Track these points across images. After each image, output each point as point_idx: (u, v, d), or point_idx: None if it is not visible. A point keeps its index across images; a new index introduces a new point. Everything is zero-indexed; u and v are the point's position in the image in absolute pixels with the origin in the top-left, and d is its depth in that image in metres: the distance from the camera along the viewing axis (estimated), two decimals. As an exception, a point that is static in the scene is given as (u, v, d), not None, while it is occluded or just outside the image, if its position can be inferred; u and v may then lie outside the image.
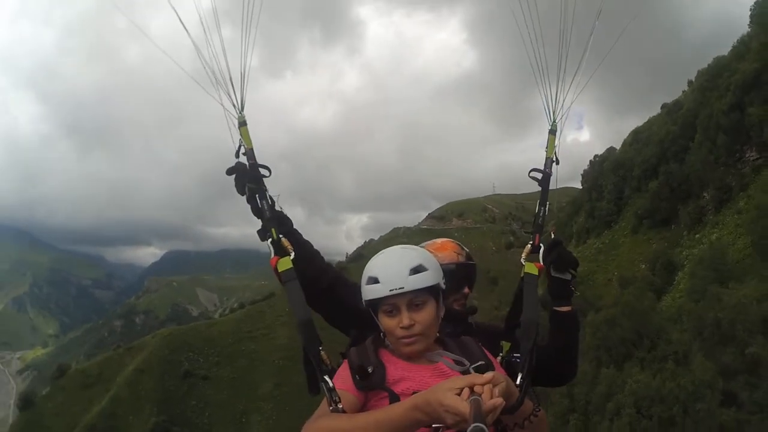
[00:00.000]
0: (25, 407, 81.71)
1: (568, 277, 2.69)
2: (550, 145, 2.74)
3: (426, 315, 2.22)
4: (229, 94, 2.49)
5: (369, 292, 2.24)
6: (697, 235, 42.46)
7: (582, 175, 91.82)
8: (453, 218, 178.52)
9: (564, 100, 2.70)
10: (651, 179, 52.68)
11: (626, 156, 60.97)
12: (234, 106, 2.51)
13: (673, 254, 42.31)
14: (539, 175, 2.73)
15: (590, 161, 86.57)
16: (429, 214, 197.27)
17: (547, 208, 2.74)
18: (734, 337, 23.01)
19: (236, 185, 2.52)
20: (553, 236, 2.73)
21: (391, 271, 2.21)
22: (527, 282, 2.58)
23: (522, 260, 2.64)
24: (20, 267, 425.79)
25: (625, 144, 67.97)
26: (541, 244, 2.68)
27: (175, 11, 2.42)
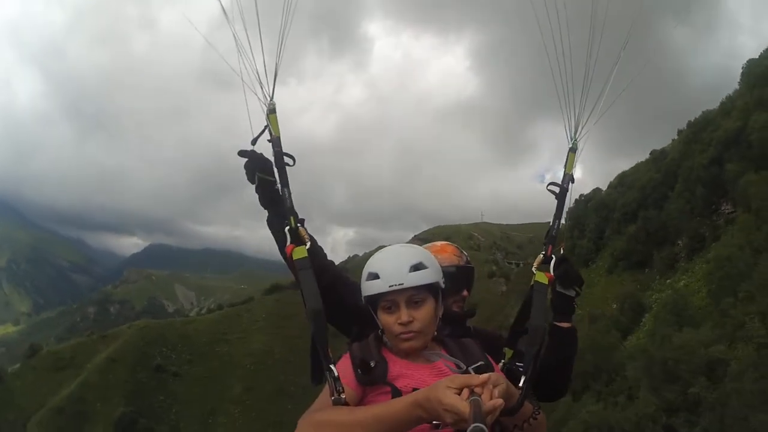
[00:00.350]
0: None
1: (573, 293, 2.75)
2: (570, 162, 2.81)
3: (424, 312, 2.24)
4: (260, 81, 2.50)
5: (369, 288, 2.26)
6: (668, 281, 43.84)
7: (567, 212, 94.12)
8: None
9: (586, 120, 2.76)
10: (630, 223, 54.34)
11: (610, 198, 62.83)
12: (264, 92, 2.52)
13: (644, 296, 43.88)
14: (557, 189, 2.81)
15: (576, 200, 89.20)
16: (415, 235, 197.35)
17: (561, 222, 2.81)
18: (679, 377, 24.43)
19: (246, 171, 2.54)
20: (561, 252, 2.79)
21: (392, 267, 2.24)
22: (537, 290, 2.62)
23: (533, 269, 2.69)
24: (0, 241, 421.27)
25: (611, 186, 69.69)
26: (553, 256, 2.73)
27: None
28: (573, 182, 2.81)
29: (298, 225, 2.49)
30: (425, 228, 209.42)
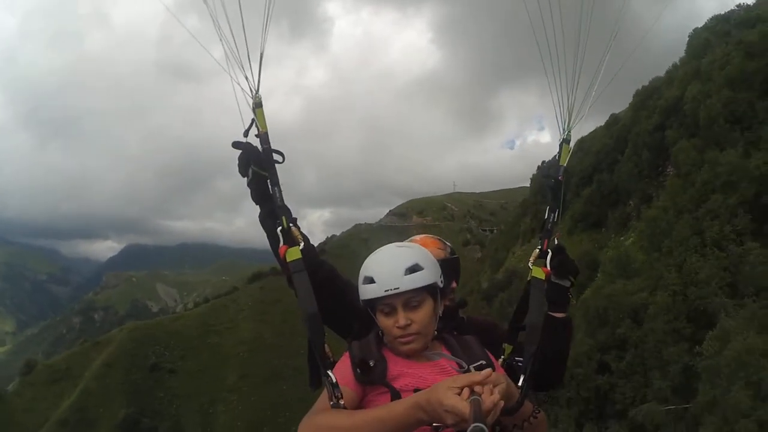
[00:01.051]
0: None
1: (568, 284, 2.70)
2: (563, 154, 2.75)
3: (423, 314, 2.19)
4: (245, 75, 2.38)
5: (365, 292, 2.21)
6: (621, 238, 47.24)
7: (531, 178, 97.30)
8: (413, 215, 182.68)
9: (577, 111, 2.70)
10: (587, 186, 57.43)
11: (570, 163, 66.95)
12: (249, 86, 2.40)
13: (599, 254, 47.79)
14: (551, 182, 2.74)
15: (538, 166, 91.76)
16: (390, 211, 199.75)
17: (557, 215, 2.72)
18: (609, 321, 29.07)
19: (239, 164, 2.44)
20: (556, 242, 2.71)
21: (387, 271, 2.19)
22: (534, 285, 2.57)
23: (530, 264, 2.64)
24: None
25: (572, 152, 73.35)
26: (549, 250, 2.65)
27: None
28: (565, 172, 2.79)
29: (291, 225, 2.42)
30: (399, 202, 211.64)
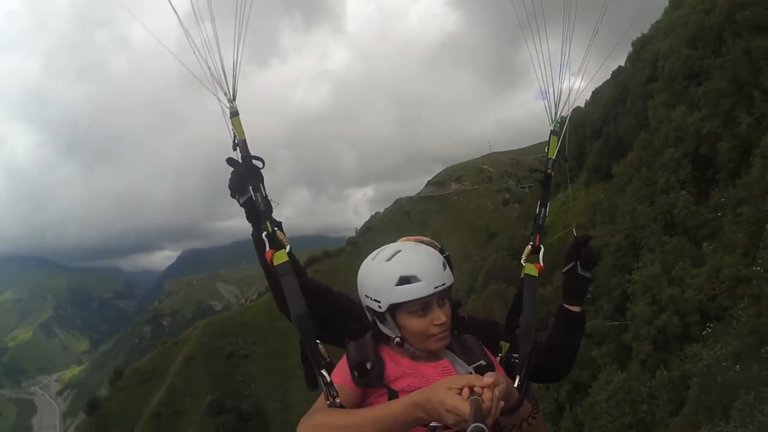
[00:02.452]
0: (92, 411, 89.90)
1: (590, 276, 2.67)
2: (552, 146, 2.69)
3: (449, 310, 2.22)
4: (221, 85, 2.42)
5: (405, 293, 2.12)
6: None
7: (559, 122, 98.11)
8: (451, 183, 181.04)
9: (564, 102, 2.69)
10: (597, 139, 57.29)
11: (585, 116, 64.24)
12: (226, 96, 2.44)
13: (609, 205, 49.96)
14: (541, 176, 2.68)
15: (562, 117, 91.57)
16: (428, 181, 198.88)
17: (548, 209, 2.68)
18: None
19: (236, 183, 2.45)
20: (575, 234, 2.69)
21: (432, 268, 2.17)
22: (527, 283, 2.53)
23: (522, 261, 2.59)
24: (40, 292, 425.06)
25: (587, 104, 72.49)
26: (542, 246, 2.62)
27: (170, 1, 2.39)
28: (567, 162, 2.79)
29: (275, 229, 2.43)
30: (439, 170, 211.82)
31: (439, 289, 2.14)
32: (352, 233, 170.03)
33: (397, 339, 2.22)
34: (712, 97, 31.01)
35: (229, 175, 2.46)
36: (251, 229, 2.52)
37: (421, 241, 2.64)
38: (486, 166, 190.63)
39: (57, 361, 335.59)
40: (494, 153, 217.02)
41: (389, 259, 2.23)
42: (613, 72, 65.87)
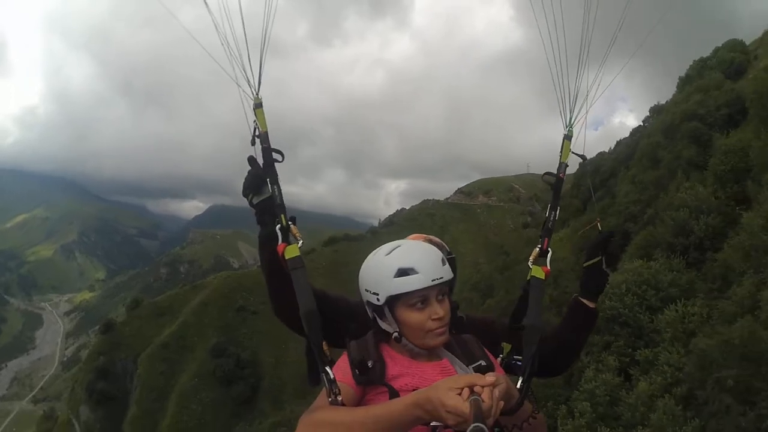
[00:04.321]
0: (106, 331, 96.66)
1: (610, 272, 2.63)
2: (565, 150, 2.69)
3: (448, 306, 2.23)
4: (245, 76, 2.40)
5: (403, 285, 2.14)
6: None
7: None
8: (479, 195, 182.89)
9: (579, 107, 2.67)
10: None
11: (600, 163, 62.24)
12: (250, 86, 2.42)
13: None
14: (552, 179, 2.69)
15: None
16: (459, 188, 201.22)
17: (557, 213, 2.66)
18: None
19: (253, 182, 2.45)
20: (600, 229, 2.68)
21: (430, 262, 2.18)
22: (534, 286, 2.54)
23: (529, 263, 2.59)
24: (69, 216, 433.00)
25: (609, 152, 69.23)
26: (549, 249, 2.62)
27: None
28: (585, 161, 2.73)
29: (290, 223, 2.43)
30: (476, 178, 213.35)
31: (437, 282, 2.15)
32: (377, 222, 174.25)
33: (396, 334, 2.22)
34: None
35: (246, 174, 2.46)
36: (261, 230, 2.51)
37: (429, 240, 2.76)
38: (517, 186, 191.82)
39: (71, 283, 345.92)
40: (530, 174, 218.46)
41: (389, 254, 2.25)
42: (632, 130, 67.16)
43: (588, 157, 2.80)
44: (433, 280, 2.15)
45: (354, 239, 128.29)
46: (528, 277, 2.59)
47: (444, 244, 2.87)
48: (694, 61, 52.71)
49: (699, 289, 21.51)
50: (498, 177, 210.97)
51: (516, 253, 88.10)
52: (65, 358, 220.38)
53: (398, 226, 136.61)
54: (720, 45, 50.89)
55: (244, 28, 2.35)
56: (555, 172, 2.74)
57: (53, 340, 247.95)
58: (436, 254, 2.25)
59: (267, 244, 2.48)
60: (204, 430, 76.06)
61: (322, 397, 2.13)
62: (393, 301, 2.18)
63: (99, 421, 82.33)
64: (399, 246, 2.29)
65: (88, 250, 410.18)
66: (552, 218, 2.67)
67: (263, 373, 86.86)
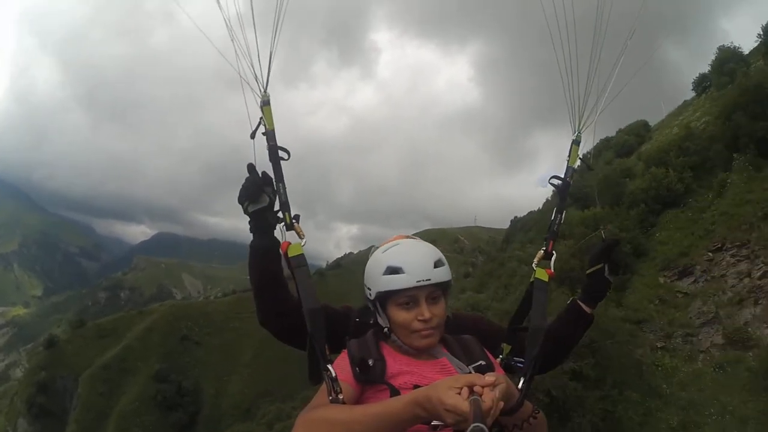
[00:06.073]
0: (49, 346, 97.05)
1: (612, 279, 2.66)
2: (573, 155, 2.71)
3: (440, 309, 2.23)
4: (254, 72, 2.40)
5: (389, 283, 2.17)
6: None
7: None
8: None
9: (589, 113, 2.67)
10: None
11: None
12: (258, 84, 2.42)
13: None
14: (559, 182, 2.70)
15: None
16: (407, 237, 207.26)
17: (563, 216, 2.67)
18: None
19: (251, 187, 2.36)
20: (604, 237, 2.70)
21: (418, 262, 2.18)
22: (537, 287, 2.52)
23: (534, 265, 2.59)
24: (12, 225, 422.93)
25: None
26: (554, 252, 2.62)
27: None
28: (592, 168, 3.56)
29: (293, 221, 2.40)
30: (426, 227, 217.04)
31: (422, 283, 2.15)
32: (324, 264, 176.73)
33: (386, 329, 2.26)
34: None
35: (244, 181, 2.38)
36: (252, 238, 2.44)
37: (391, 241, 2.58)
38: (462, 237, 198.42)
39: (6, 296, 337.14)
40: (476, 226, 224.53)
41: (385, 251, 2.28)
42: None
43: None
44: (417, 281, 2.15)
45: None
46: (531, 279, 2.57)
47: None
48: (600, 139, 51.47)
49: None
50: (445, 228, 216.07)
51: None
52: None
53: (345, 269, 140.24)
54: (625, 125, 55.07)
55: (254, 26, 2.39)
56: (563, 177, 2.73)
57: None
58: (430, 256, 2.24)
59: (260, 252, 2.46)
60: (142, 452, 77.65)
61: (321, 396, 2.10)
62: (384, 297, 2.22)
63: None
64: (397, 244, 2.33)
65: (27, 263, 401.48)
66: (558, 221, 2.66)
67: (203, 402, 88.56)
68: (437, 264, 2.22)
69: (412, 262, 2.20)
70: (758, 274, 21.64)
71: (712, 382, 18.75)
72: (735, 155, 26.38)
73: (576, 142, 2.74)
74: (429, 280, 2.16)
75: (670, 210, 27.77)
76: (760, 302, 21.00)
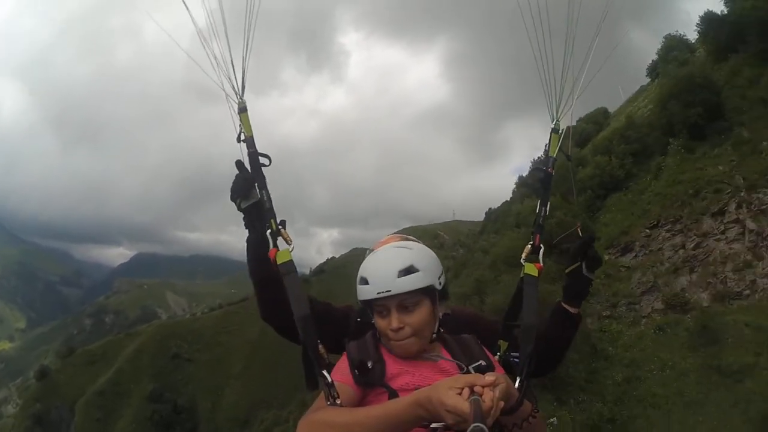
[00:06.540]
0: (41, 378, 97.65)
1: (593, 277, 2.60)
2: (553, 144, 2.64)
3: (417, 317, 2.17)
4: (230, 79, 2.37)
5: (360, 293, 2.21)
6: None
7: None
8: None
9: (566, 101, 2.61)
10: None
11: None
12: (235, 91, 2.39)
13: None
14: (542, 174, 2.61)
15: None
16: (390, 235, 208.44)
17: (548, 208, 2.61)
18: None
19: (241, 185, 2.39)
20: (581, 234, 2.63)
21: (379, 273, 2.16)
22: (527, 283, 2.49)
23: (522, 260, 2.54)
24: None
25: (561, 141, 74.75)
26: (542, 245, 2.57)
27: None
28: (571, 160, 2.71)
29: (279, 227, 2.39)
30: (406, 225, 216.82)
31: (383, 295, 2.13)
32: (308, 271, 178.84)
33: (377, 332, 2.27)
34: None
35: (234, 178, 2.41)
36: (246, 234, 2.47)
37: (404, 239, 2.67)
38: (442, 233, 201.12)
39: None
40: (455, 221, 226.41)
41: (365, 259, 2.30)
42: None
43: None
44: (378, 293, 2.14)
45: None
46: (521, 275, 2.53)
47: (417, 241, 2.61)
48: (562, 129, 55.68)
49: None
50: (425, 225, 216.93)
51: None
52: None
53: (328, 274, 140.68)
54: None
55: (226, 33, 2.31)
56: (543, 167, 2.67)
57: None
58: (394, 265, 2.18)
59: (257, 248, 2.47)
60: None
61: (321, 400, 2.10)
62: (367, 304, 2.25)
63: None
64: (372, 253, 2.35)
65: (8, 296, 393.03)
66: (543, 214, 2.60)
67: (199, 418, 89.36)
68: (406, 272, 2.17)
69: (375, 272, 2.20)
70: (692, 245, 24.29)
71: (652, 342, 21.30)
72: (670, 140, 29.16)
73: (555, 131, 2.68)
74: (389, 291, 2.14)
75: (614, 194, 30.58)
76: (696, 270, 23.60)
